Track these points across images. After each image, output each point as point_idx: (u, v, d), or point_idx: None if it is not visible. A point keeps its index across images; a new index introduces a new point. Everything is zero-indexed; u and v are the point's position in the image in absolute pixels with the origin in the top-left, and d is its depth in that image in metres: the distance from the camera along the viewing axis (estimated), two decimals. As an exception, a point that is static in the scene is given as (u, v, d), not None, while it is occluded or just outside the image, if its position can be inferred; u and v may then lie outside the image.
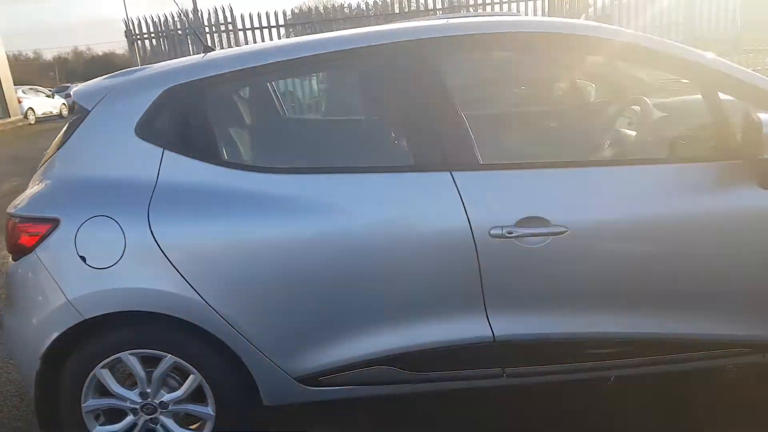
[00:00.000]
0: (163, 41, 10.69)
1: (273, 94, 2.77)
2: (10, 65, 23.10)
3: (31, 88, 24.28)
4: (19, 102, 22.14)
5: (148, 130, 2.07)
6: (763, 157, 1.85)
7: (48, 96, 24.52)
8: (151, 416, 2.13)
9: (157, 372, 2.08)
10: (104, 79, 2.31)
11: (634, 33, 2.14)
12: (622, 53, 2.18)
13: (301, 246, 1.99)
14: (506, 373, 2.12)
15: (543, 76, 3.03)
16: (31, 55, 68.16)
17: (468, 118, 2.08)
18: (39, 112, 22.89)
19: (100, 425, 2.15)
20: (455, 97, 2.06)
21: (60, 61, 67.55)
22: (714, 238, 1.99)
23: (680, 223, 1.97)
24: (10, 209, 2.13)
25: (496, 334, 2.05)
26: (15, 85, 22.87)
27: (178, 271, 1.98)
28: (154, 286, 1.99)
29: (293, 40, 2.24)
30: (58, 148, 2.16)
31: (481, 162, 2.03)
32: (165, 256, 1.97)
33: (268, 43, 2.23)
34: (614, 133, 2.71)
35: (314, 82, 6.73)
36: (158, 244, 1.97)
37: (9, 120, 20.84)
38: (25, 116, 21.84)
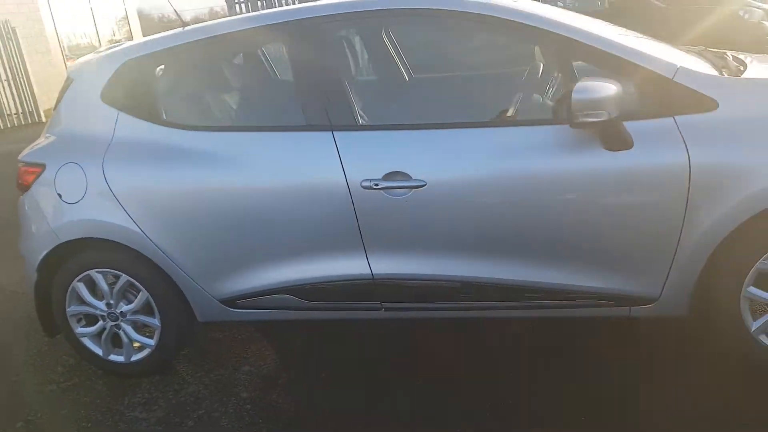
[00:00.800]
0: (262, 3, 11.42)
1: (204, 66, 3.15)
2: (154, 27, 25.09)
3: None
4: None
5: (109, 96, 2.61)
6: (576, 122, 1.99)
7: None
8: (115, 323, 2.72)
9: (117, 287, 2.66)
10: (94, 53, 2.88)
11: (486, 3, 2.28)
12: (476, 24, 2.34)
13: (213, 191, 2.44)
14: (384, 307, 2.46)
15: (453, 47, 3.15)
16: (173, 16, 73.82)
17: (368, 84, 2.39)
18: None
19: (81, 327, 2.78)
20: (344, 66, 2.38)
21: (198, 22, 72.57)
22: (561, 196, 2.16)
23: (528, 180, 2.18)
24: (19, 157, 2.78)
25: (374, 272, 2.39)
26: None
27: (123, 208, 2.52)
28: (107, 219, 2.54)
29: (213, 22, 2.65)
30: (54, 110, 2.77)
31: (359, 123, 2.34)
32: (114, 196, 2.52)
33: (198, 25, 2.66)
34: (511, 97, 2.81)
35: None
36: (109, 187, 2.52)
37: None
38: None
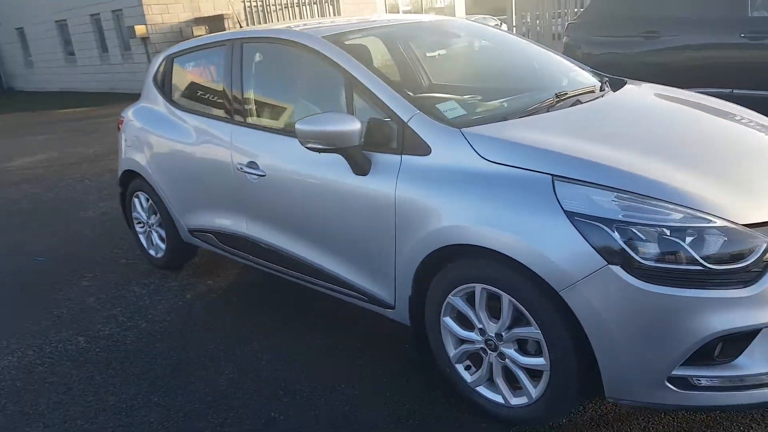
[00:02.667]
0: None
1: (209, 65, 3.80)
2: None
3: (483, 17, 26.61)
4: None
5: (155, 81, 3.90)
6: (305, 146, 2.43)
7: (496, 25, 26.64)
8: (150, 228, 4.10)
9: (142, 204, 4.01)
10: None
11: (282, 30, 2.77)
12: (295, 50, 2.87)
13: (181, 152, 3.53)
14: (251, 260, 3.26)
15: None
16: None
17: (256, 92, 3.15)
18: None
19: (139, 228, 4.25)
20: (243, 79, 3.17)
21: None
22: (324, 200, 2.64)
23: (306, 184, 2.71)
24: (121, 113, 4.29)
25: (246, 232, 3.21)
26: (468, 13, 25.57)
27: (144, 154, 3.81)
28: (135, 158, 3.89)
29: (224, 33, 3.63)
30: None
31: (245, 121, 3.13)
32: (143, 144, 3.83)
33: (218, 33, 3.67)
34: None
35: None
36: (143, 139, 3.84)
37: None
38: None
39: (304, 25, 3.21)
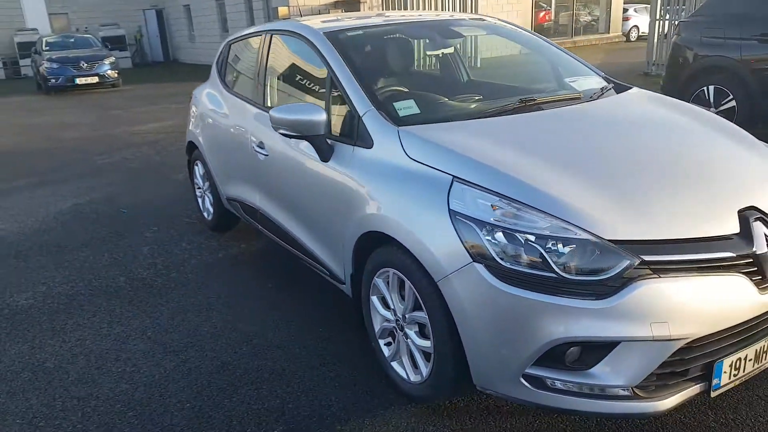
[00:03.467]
0: None
1: (250, 53, 4.12)
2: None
3: (644, 7, 24.67)
4: (626, 20, 22.97)
5: (217, 63, 4.42)
6: (278, 132, 2.73)
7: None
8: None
9: (197, 171, 4.59)
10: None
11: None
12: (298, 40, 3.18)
13: (221, 128, 4.02)
14: (263, 230, 3.66)
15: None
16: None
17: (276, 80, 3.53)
18: (642, 31, 22.39)
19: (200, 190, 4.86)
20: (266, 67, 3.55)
21: None
22: (301, 181, 2.96)
23: (292, 166, 3.04)
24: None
25: (258, 204, 3.62)
26: (626, 3, 23.96)
27: (199, 128, 4.37)
28: (192, 129, 4.45)
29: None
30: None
31: (263, 104, 3.51)
32: (199, 119, 4.38)
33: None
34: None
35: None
36: (200, 114, 4.39)
37: (606, 35, 22.84)
38: (627, 35, 22.63)
39: (337, 18, 3.51)
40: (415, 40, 3.40)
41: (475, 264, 1.98)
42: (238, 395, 2.56)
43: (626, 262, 1.86)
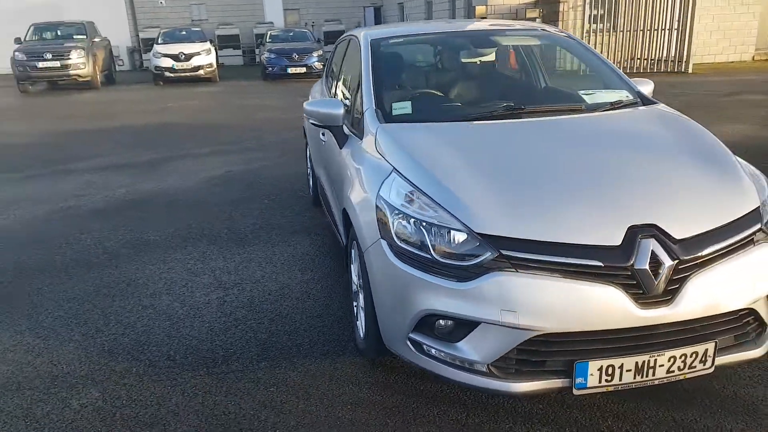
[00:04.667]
0: None
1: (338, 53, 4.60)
2: None
3: None
4: None
5: (328, 63, 5.16)
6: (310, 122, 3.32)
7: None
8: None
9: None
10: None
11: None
12: None
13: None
14: (322, 198, 4.31)
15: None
16: None
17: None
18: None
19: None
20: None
21: None
22: (332, 164, 3.53)
23: (330, 151, 3.62)
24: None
25: (321, 181, 4.27)
26: None
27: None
28: (305, 121, 5.25)
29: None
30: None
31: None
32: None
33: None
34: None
35: None
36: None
37: None
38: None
39: (396, 27, 4.02)
40: (453, 48, 3.76)
41: (381, 240, 2.40)
42: (242, 327, 3.25)
43: (488, 254, 2.14)
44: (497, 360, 2.16)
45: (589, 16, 16.13)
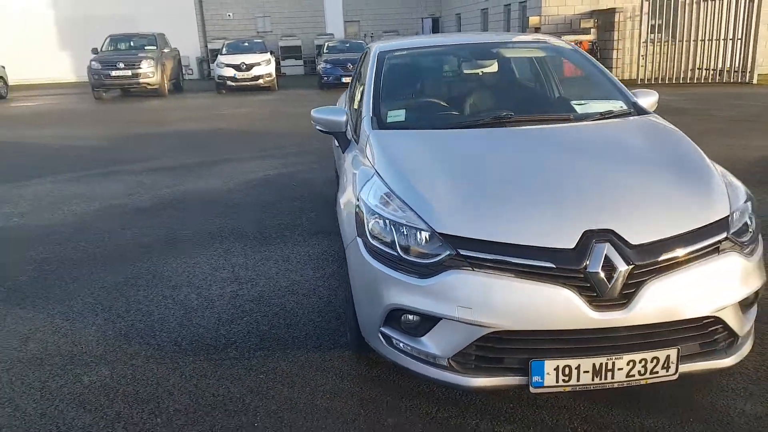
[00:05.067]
0: None
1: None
2: None
3: None
4: None
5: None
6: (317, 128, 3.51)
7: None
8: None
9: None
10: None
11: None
12: None
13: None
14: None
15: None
16: None
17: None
18: None
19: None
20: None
21: None
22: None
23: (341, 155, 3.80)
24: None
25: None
26: None
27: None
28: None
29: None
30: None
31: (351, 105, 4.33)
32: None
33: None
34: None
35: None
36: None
37: None
38: None
39: (405, 39, 4.18)
40: (455, 60, 3.88)
41: (358, 238, 2.55)
42: (247, 319, 3.46)
43: (447, 253, 2.25)
44: (457, 355, 2.27)
45: (649, 25, 15.74)
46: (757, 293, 2.42)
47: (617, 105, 3.30)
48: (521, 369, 2.22)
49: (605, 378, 2.18)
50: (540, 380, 2.19)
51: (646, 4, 15.45)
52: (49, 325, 3.45)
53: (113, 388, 2.78)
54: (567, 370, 2.17)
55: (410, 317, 2.37)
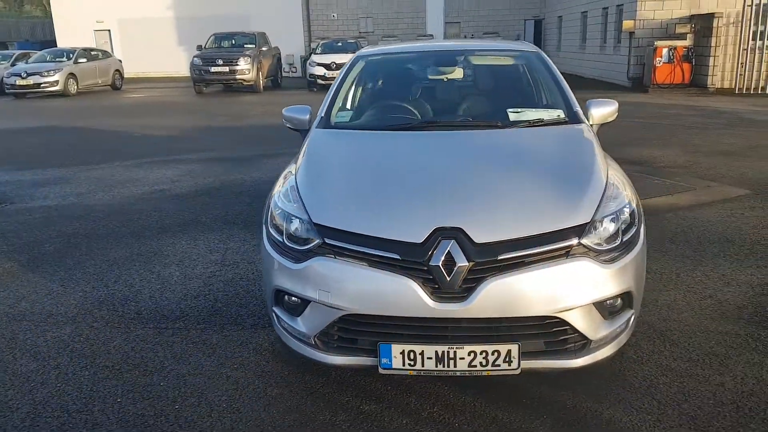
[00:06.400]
0: None
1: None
2: None
3: None
4: None
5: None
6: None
7: None
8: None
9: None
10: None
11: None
12: None
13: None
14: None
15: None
16: None
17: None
18: None
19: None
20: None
21: None
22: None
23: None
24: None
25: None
26: None
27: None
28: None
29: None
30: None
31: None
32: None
33: None
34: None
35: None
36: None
37: None
38: None
39: (389, 43, 4.34)
40: (421, 66, 3.99)
41: (264, 225, 2.78)
42: (210, 297, 3.79)
43: (317, 241, 2.44)
44: (321, 334, 2.45)
45: (750, 32, 14.56)
46: (626, 301, 2.46)
47: (555, 114, 3.31)
48: (373, 350, 2.36)
49: (448, 366, 2.29)
50: (388, 362, 2.32)
51: (749, 9, 14.30)
52: (45, 288, 3.98)
53: (66, 344, 3.20)
54: (412, 355, 2.30)
55: (290, 299, 2.57)
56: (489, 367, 2.27)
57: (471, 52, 4.10)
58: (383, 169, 2.78)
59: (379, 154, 2.95)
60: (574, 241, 2.31)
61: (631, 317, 2.52)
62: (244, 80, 18.48)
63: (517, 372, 2.28)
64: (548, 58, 3.84)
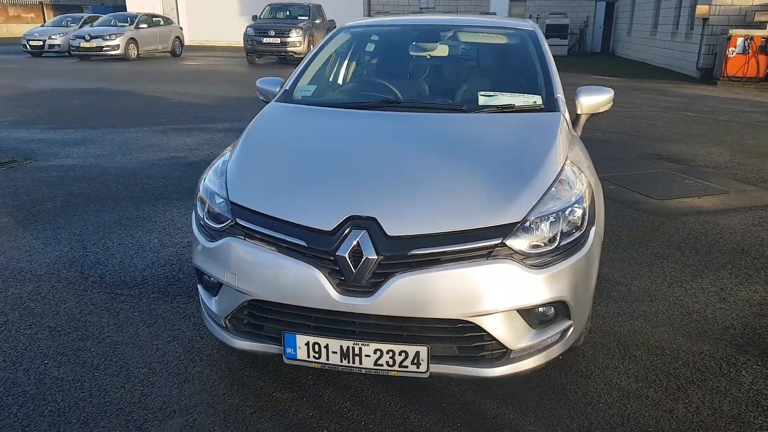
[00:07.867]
0: None
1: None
2: None
3: None
4: None
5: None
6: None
7: None
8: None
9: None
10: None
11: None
12: None
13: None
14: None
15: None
16: None
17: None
18: None
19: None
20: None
21: None
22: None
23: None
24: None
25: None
26: None
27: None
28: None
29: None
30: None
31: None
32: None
33: None
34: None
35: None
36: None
37: None
38: None
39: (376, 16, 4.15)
40: (402, 41, 3.78)
41: (196, 202, 2.70)
42: (175, 267, 3.78)
43: (229, 220, 2.34)
44: (231, 317, 2.36)
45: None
46: (560, 311, 2.26)
47: (532, 100, 3.05)
48: (278, 339, 2.26)
49: (353, 362, 2.17)
50: (293, 352, 2.22)
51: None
52: (27, 245, 4.07)
53: (22, 301, 3.26)
54: (317, 348, 2.18)
55: (208, 278, 2.49)
56: (396, 368, 2.13)
57: (459, 29, 3.85)
58: (315, 151, 2.64)
59: (321, 135, 2.81)
60: (497, 241, 2.11)
61: (568, 328, 2.31)
62: (295, 53, 18.49)
63: (426, 376, 2.13)
64: (543, 37, 3.56)
